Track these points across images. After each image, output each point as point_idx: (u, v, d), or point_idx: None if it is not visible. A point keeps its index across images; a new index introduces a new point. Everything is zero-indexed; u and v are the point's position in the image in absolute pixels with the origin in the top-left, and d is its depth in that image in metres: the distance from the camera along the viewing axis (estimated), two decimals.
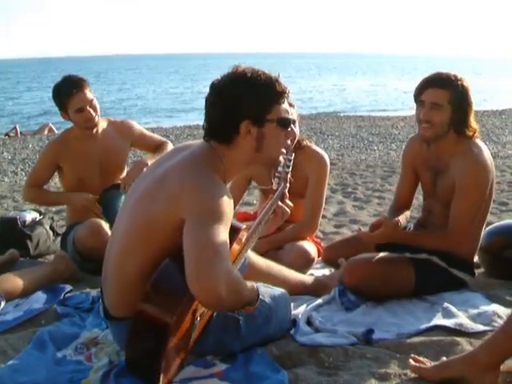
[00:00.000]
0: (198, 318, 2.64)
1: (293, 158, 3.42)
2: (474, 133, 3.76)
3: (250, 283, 2.65)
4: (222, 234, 2.44)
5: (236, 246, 2.81)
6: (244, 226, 2.87)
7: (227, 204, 2.55)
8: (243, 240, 2.90)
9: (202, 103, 2.84)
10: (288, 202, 3.28)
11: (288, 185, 3.35)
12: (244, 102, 2.67)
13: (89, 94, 4.56)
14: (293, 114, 2.90)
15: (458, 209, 3.74)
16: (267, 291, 3.16)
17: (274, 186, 3.32)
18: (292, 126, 2.90)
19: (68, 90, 4.51)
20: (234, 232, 2.67)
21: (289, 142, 2.93)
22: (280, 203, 3.23)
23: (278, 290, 3.29)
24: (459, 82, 3.69)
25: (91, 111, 4.55)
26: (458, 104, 3.67)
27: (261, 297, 2.92)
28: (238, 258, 2.84)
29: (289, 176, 3.35)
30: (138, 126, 4.98)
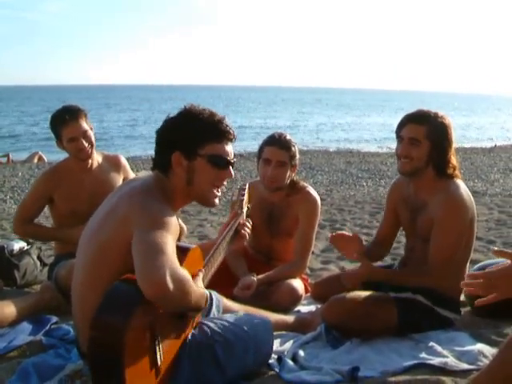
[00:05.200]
0: (159, 338, 2.60)
1: (247, 187, 3.63)
2: (454, 170, 3.82)
3: (202, 289, 2.72)
4: (167, 238, 2.52)
5: (194, 266, 2.85)
6: (194, 246, 2.93)
7: (172, 219, 2.64)
8: (204, 260, 3.00)
9: None
10: (247, 223, 3.49)
11: (244, 211, 3.52)
12: (178, 133, 2.82)
13: (84, 124, 4.53)
14: (231, 155, 2.95)
15: (436, 246, 3.79)
16: (245, 319, 3.22)
17: (238, 211, 3.49)
18: (229, 167, 2.96)
19: (62, 119, 4.50)
20: (182, 252, 2.71)
21: (224, 184, 3.01)
22: (243, 221, 3.43)
23: (258, 317, 3.33)
24: (438, 119, 3.79)
25: (84, 142, 4.52)
26: (435, 139, 3.76)
27: (238, 324, 3.06)
28: (199, 275, 2.86)
29: (244, 202, 3.53)
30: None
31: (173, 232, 2.60)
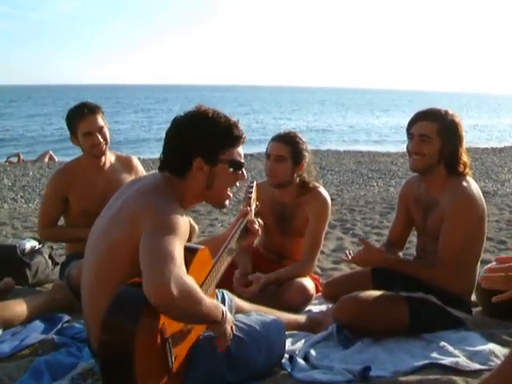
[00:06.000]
0: (170, 340, 2.60)
1: (254, 184, 3.60)
2: (465, 167, 3.83)
3: (215, 301, 2.72)
4: (175, 243, 2.50)
5: (202, 267, 2.85)
6: (202, 247, 2.91)
7: (181, 220, 2.63)
8: (212, 260, 2.98)
9: None
10: (259, 220, 3.44)
11: (253, 208, 3.50)
12: (200, 139, 2.83)
13: (100, 120, 4.56)
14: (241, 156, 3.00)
15: (444, 240, 3.79)
16: (258, 319, 3.22)
17: (247, 208, 3.44)
18: (243, 170, 3.01)
19: (80, 113, 4.52)
20: (190, 253, 2.71)
21: (238, 184, 3.05)
22: (252, 219, 3.38)
23: (270, 317, 3.33)
24: (449, 117, 3.80)
25: (99, 137, 4.54)
26: (446, 136, 3.77)
27: (252, 324, 3.05)
28: (209, 276, 2.87)
29: (252, 199, 3.51)
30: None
31: (182, 234, 2.59)
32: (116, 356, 2.45)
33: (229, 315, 2.77)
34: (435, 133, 3.76)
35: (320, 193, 4.64)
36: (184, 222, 2.66)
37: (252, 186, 3.60)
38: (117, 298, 2.51)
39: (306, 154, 4.55)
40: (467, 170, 3.86)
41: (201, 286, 2.68)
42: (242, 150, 2.98)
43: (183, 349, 2.77)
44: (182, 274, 2.41)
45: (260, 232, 3.42)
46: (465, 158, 3.84)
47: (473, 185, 3.84)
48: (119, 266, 2.69)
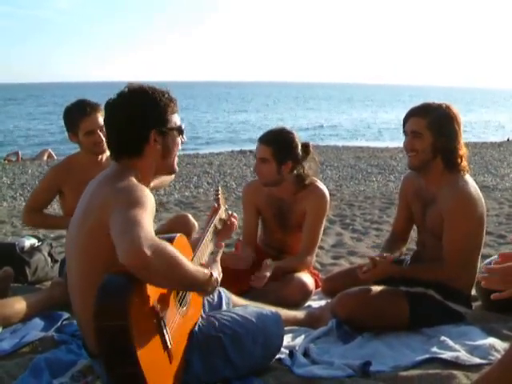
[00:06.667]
0: (165, 320, 2.61)
1: (220, 190, 3.77)
2: (462, 160, 3.83)
3: (202, 267, 2.72)
4: (142, 213, 2.51)
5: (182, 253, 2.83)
6: (178, 235, 2.92)
7: (146, 195, 2.66)
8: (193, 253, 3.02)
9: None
10: (234, 214, 3.64)
11: (221, 204, 3.64)
12: (150, 113, 2.87)
13: (101, 118, 4.54)
14: None
15: (448, 241, 3.81)
16: (254, 311, 3.25)
17: (217, 206, 3.62)
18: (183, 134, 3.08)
19: (83, 111, 4.52)
20: (168, 241, 2.66)
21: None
22: (227, 214, 3.58)
23: (267, 310, 3.35)
24: (441, 110, 3.82)
25: (101, 135, 4.54)
26: (438, 130, 3.78)
27: (247, 316, 3.06)
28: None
29: (221, 202, 3.65)
30: None
31: (149, 209, 2.59)
32: (114, 339, 2.44)
33: (216, 275, 2.80)
34: (425, 128, 3.79)
35: (317, 187, 4.64)
36: (149, 196, 2.67)
37: (218, 192, 3.74)
38: (103, 286, 2.51)
39: (295, 150, 4.48)
40: (464, 163, 3.87)
41: None
42: (178, 115, 3.04)
43: (181, 332, 2.76)
44: (152, 236, 2.41)
45: (236, 227, 3.59)
46: (462, 150, 3.84)
47: (470, 183, 3.85)
48: (100, 254, 2.68)
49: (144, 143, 2.86)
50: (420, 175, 4.00)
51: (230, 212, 3.66)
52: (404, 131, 3.92)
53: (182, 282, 2.59)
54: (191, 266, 2.57)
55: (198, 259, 3.00)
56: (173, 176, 4.63)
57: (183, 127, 3.02)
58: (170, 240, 2.75)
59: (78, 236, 2.81)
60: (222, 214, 3.59)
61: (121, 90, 2.93)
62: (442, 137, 3.79)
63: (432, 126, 3.78)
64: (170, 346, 2.62)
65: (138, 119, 2.85)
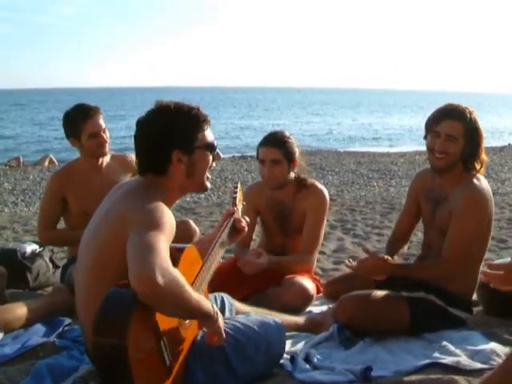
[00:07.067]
0: (165, 339, 2.59)
1: (239, 186, 3.72)
2: (482, 165, 3.85)
3: (202, 296, 2.68)
4: (159, 237, 2.50)
5: (191, 265, 2.86)
6: (188, 245, 2.92)
7: (167, 217, 2.64)
8: (203, 258, 2.99)
9: None
10: (245, 217, 3.53)
11: (239, 208, 3.58)
12: (172, 132, 2.84)
13: (102, 120, 4.60)
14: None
15: (452, 237, 3.80)
16: (257, 319, 3.23)
17: (232, 208, 3.53)
18: (217, 150, 3.07)
19: (85, 114, 4.53)
20: (177, 252, 2.71)
21: (214, 164, 3.08)
22: (238, 217, 3.46)
23: (269, 318, 3.33)
24: (472, 115, 3.80)
25: (105, 137, 4.58)
26: (470, 136, 3.77)
27: (250, 324, 3.05)
28: (200, 274, 2.87)
29: (238, 200, 3.62)
30: None
31: (167, 230, 2.58)
32: (110, 356, 2.43)
33: (219, 313, 2.77)
34: (461, 133, 3.76)
35: (317, 187, 4.69)
36: (170, 218, 2.66)
37: (236, 187, 3.69)
38: (106, 299, 2.50)
39: (296, 149, 4.60)
40: (483, 169, 3.88)
41: (192, 284, 2.69)
42: (210, 131, 3.00)
43: (181, 347, 2.76)
44: (166, 265, 2.41)
45: (246, 229, 3.47)
46: (484, 155, 3.85)
47: (484, 184, 3.85)
48: (110, 268, 2.69)
49: (167, 163, 2.86)
50: (437, 175, 3.98)
51: (236, 217, 3.54)
52: (435, 131, 3.83)
53: (187, 312, 2.59)
54: (197, 295, 2.55)
55: (207, 268, 2.99)
56: (197, 233, 4.79)
57: (215, 144, 3.00)
58: (179, 251, 2.76)
59: (90, 243, 2.82)
60: (238, 213, 3.53)
61: (151, 107, 2.94)
62: (471, 142, 3.78)
63: (467, 132, 3.76)
64: (168, 363, 2.61)
65: (159, 140, 2.85)
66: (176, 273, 2.44)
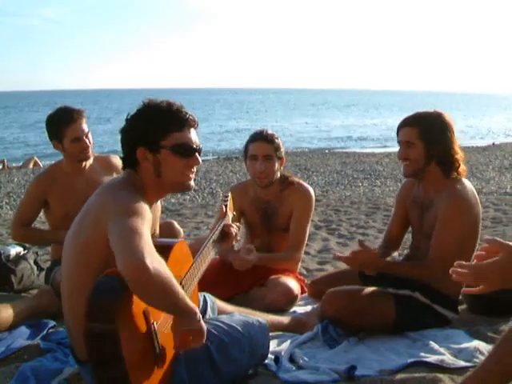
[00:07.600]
0: (155, 324, 2.58)
1: (229, 194, 3.76)
2: (459, 166, 3.87)
3: (193, 304, 2.60)
4: (139, 223, 2.49)
5: (180, 263, 2.85)
6: (178, 241, 2.92)
7: (144, 207, 2.63)
8: (194, 258, 2.99)
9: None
10: (236, 224, 3.59)
11: (229, 212, 3.59)
12: (139, 128, 2.83)
13: (85, 124, 4.56)
14: (197, 142, 2.93)
15: (437, 240, 3.83)
16: (240, 319, 3.22)
17: (224, 212, 3.54)
18: (196, 154, 2.92)
19: (67, 119, 4.48)
20: (165, 249, 2.70)
21: (194, 169, 2.97)
22: (229, 223, 3.47)
23: (253, 318, 3.32)
24: (431, 118, 3.89)
25: (87, 142, 4.55)
26: (430, 139, 3.84)
27: (234, 325, 3.05)
28: (189, 272, 2.87)
29: (228, 204, 3.61)
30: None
31: (146, 219, 2.57)
32: (102, 342, 2.44)
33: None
34: (416, 137, 3.86)
35: (302, 184, 4.76)
36: (146, 208, 2.64)
37: (227, 196, 3.72)
38: (95, 287, 2.51)
39: (282, 148, 4.67)
40: (462, 167, 3.92)
41: (181, 282, 2.69)
42: (192, 134, 2.91)
43: (170, 343, 2.74)
44: (152, 250, 2.40)
45: (238, 236, 3.49)
46: (458, 154, 3.89)
47: (468, 187, 3.90)
48: (93, 266, 2.67)
49: (134, 160, 2.84)
50: (418, 181, 4.06)
51: (226, 222, 3.55)
52: (398, 141, 3.98)
53: (174, 306, 2.51)
54: (182, 291, 2.51)
55: (197, 266, 2.99)
56: (181, 233, 4.88)
57: (192, 146, 2.88)
58: (169, 246, 2.76)
59: (73, 243, 2.80)
60: (228, 220, 3.55)
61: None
62: (434, 144, 3.84)
63: (423, 135, 3.84)
64: (158, 351, 2.61)
65: (127, 135, 2.86)
66: (162, 260, 2.43)
